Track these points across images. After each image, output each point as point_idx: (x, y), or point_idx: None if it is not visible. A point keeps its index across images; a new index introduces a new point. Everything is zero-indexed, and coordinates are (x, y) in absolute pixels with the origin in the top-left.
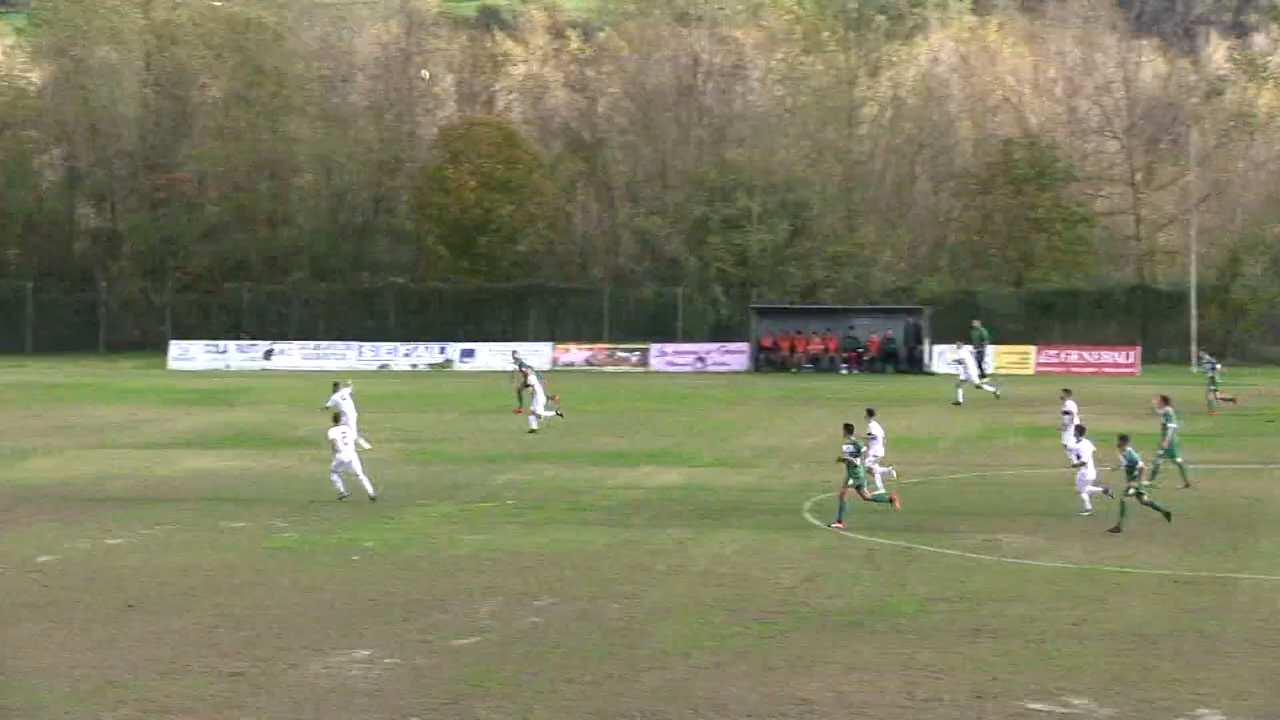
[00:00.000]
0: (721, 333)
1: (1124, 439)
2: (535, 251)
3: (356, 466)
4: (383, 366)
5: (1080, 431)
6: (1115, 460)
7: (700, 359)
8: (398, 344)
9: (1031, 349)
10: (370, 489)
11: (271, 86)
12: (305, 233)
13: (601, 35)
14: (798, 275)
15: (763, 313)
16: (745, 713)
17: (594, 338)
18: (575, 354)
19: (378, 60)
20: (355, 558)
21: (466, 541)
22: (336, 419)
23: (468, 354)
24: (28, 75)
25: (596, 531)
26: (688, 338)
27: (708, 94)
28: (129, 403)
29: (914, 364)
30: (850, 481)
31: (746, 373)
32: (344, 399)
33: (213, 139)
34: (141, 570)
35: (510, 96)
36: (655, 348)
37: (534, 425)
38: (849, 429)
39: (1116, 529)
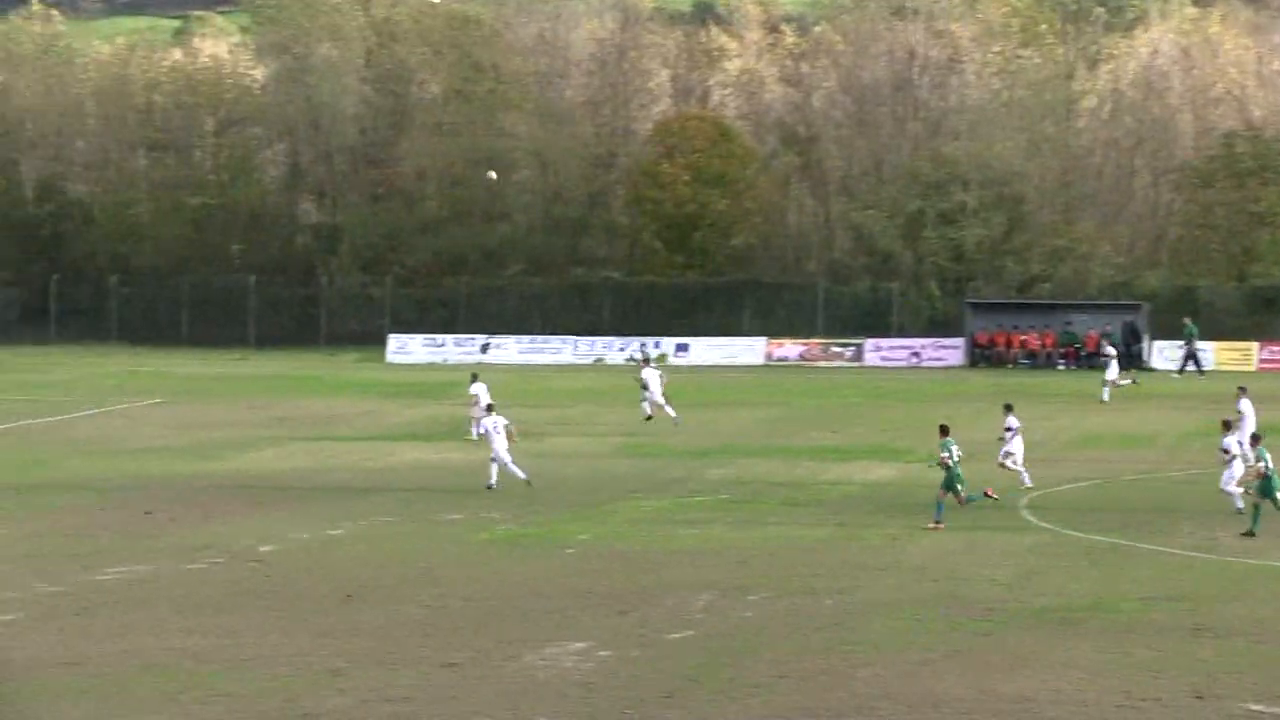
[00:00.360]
0: (936, 328)
1: (1256, 438)
2: (749, 246)
3: (505, 456)
4: (597, 361)
5: (1256, 439)
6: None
7: (915, 354)
8: (612, 338)
9: (1254, 346)
10: (492, 479)
11: (489, 82)
12: (521, 227)
13: (816, 29)
14: (1014, 270)
15: (978, 308)
16: (962, 710)
17: (808, 333)
18: (789, 349)
19: (593, 56)
20: (569, 550)
21: (680, 535)
22: (490, 409)
23: (682, 348)
24: (251, 73)
25: (810, 526)
26: (902, 333)
27: (923, 88)
28: (349, 396)
29: (1133, 361)
30: (948, 483)
31: (961, 368)
32: (482, 391)
33: (431, 135)
34: (360, 561)
35: (725, 91)
36: (870, 343)
37: (650, 415)
38: (944, 430)
39: (1250, 533)
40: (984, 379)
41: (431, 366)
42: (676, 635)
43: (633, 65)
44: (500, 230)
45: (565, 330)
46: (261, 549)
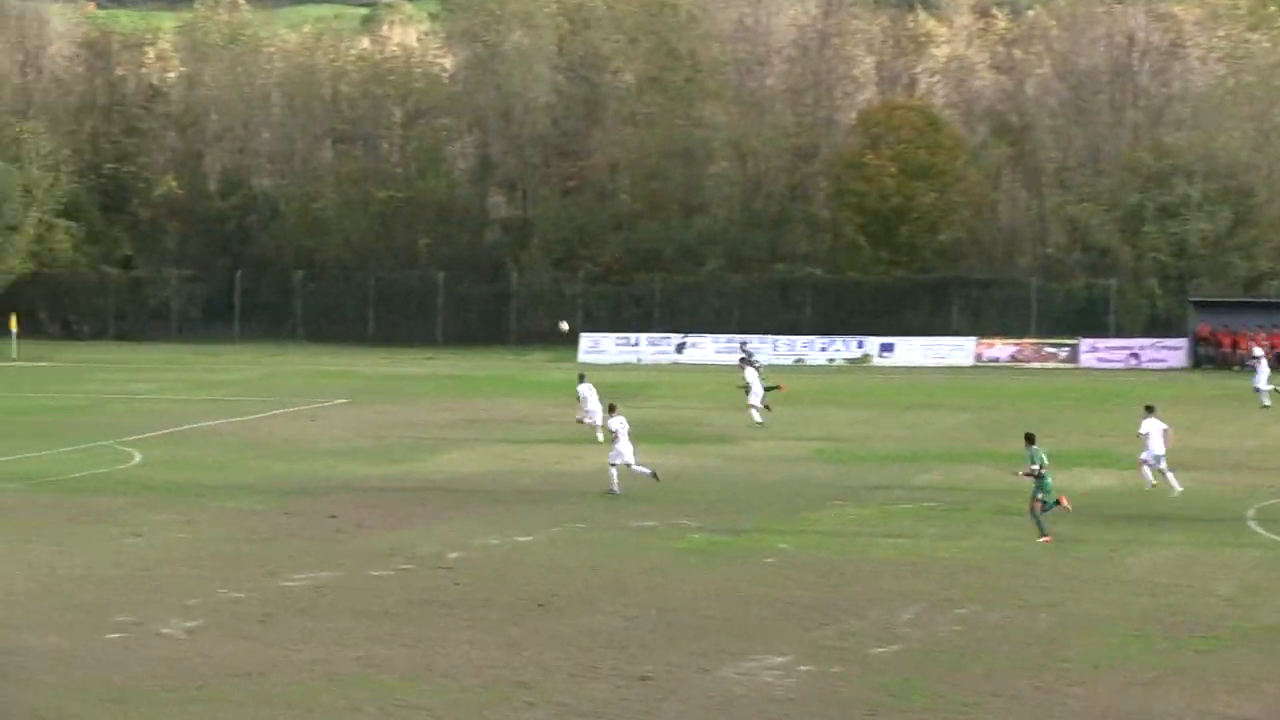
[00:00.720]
0: (1157, 327)
1: None
2: (958, 241)
3: (629, 457)
4: (798, 361)
5: None
6: None
7: (1134, 355)
8: (814, 338)
9: None
10: (614, 486)
11: (685, 70)
12: (719, 222)
13: (1030, 13)
14: (1241, 267)
15: (1202, 306)
16: None
17: (1020, 333)
18: (1000, 349)
19: (795, 42)
20: (769, 560)
21: (885, 544)
22: (612, 409)
23: (887, 348)
24: (441, 61)
25: (1022, 536)
26: (1120, 333)
27: (1143, 74)
28: (540, 396)
29: None
30: (1038, 494)
31: (1184, 370)
32: (589, 391)
33: (625, 125)
34: (550, 568)
35: (932, 79)
36: (1085, 343)
37: (758, 418)
38: (1030, 439)
39: None
40: (1208, 382)
41: (625, 366)
42: (880, 650)
43: (836, 52)
44: (697, 224)
45: (764, 329)
46: (449, 555)
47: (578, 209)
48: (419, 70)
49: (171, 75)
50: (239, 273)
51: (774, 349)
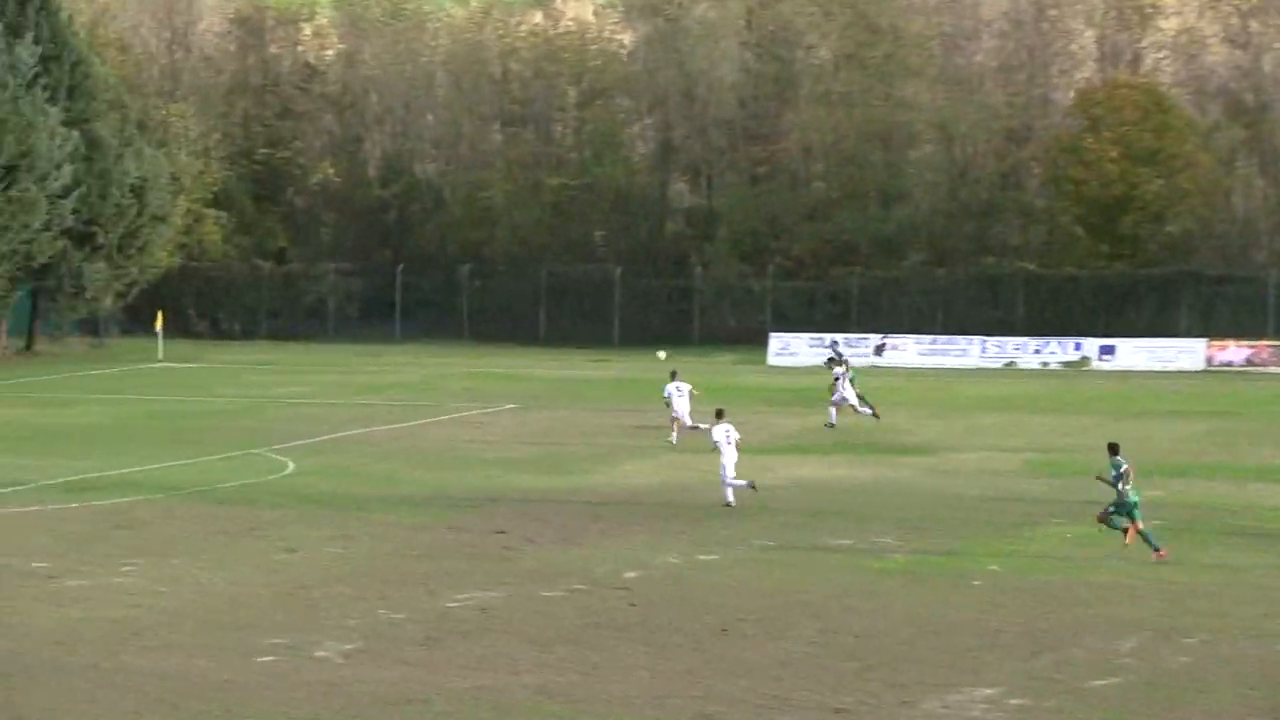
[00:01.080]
0: None
1: None
2: (1187, 233)
3: (730, 469)
4: (1008, 364)
5: None
6: None
7: None
8: (1026, 339)
9: None
10: (730, 497)
11: (886, 46)
12: (922, 211)
13: None
14: None
15: None
16: None
17: (1257, 333)
18: (1234, 352)
19: (1006, 15)
20: (976, 582)
21: (1103, 567)
22: (719, 415)
23: (1107, 350)
24: (619, 37)
25: (1257, 558)
26: None
27: None
28: (726, 402)
29: None
30: (1132, 513)
31: None
32: (678, 390)
33: (819, 106)
34: (736, 590)
35: (1159, 54)
36: None
37: (866, 413)
38: (1113, 449)
39: None
40: None
41: (818, 369)
42: (1100, 682)
43: (1052, 25)
44: (898, 214)
45: (972, 329)
46: (625, 575)
47: (767, 198)
48: (595, 47)
49: (329, 53)
50: (400, 267)
51: (982, 351)
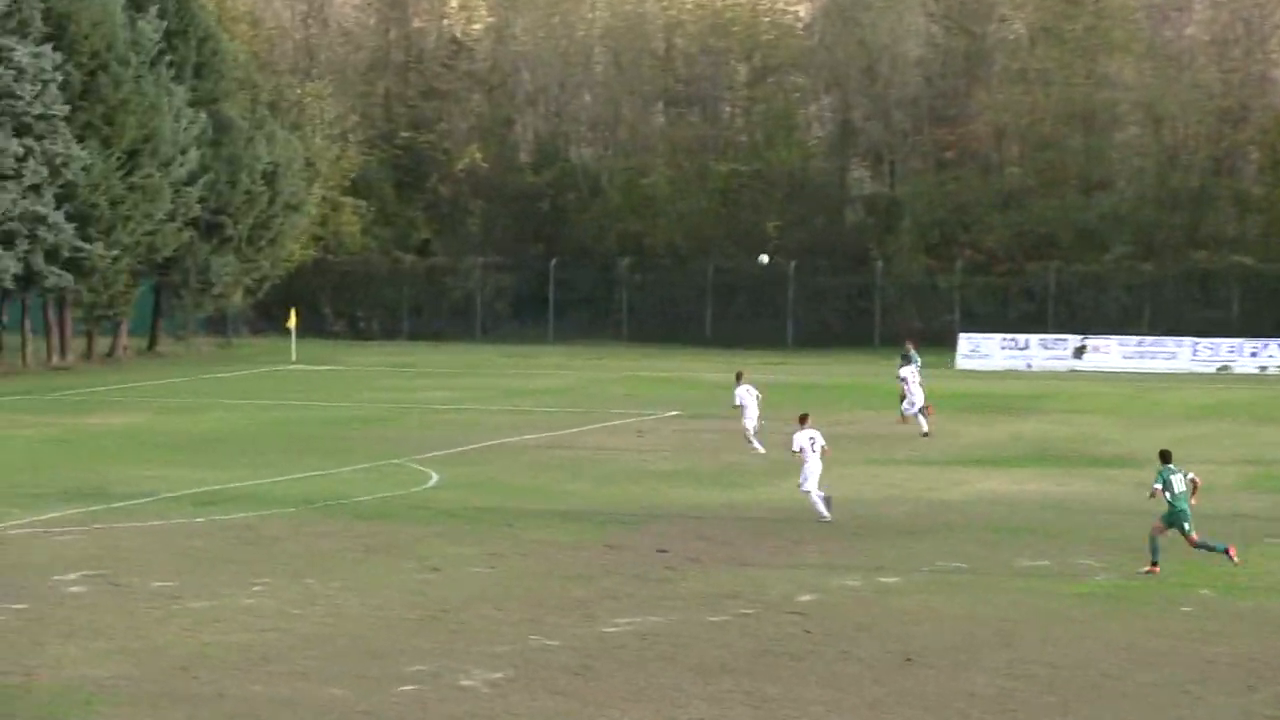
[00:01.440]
0: None
1: None
2: None
3: (812, 481)
4: (1222, 369)
5: None
6: None
7: None
8: (1241, 340)
9: None
10: (824, 510)
11: (1087, 18)
12: (1126, 200)
13: None
14: None
15: None
16: None
17: None
18: None
19: None
20: (1185, 608)
21: None
22: (803, 420)
23: None
24: (794, 9)
25: None
26: None
27: None
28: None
29: None
30: (1171, 521)
31: None
32: (747, 393)
33: (1013, 84)
34: (921, 616)
35: None
36: None
37: (920, 421)
38: (1165, 456)
39: None
40: None
41: (1011, 374)
42: None
43: None
44: (1100, 203)
45: (1182, 330)
46: (800, 599)
47: (956, 185)
48: (767, 20)
49: (477, 27)
50: (553, 261)
51: (1193, 354)
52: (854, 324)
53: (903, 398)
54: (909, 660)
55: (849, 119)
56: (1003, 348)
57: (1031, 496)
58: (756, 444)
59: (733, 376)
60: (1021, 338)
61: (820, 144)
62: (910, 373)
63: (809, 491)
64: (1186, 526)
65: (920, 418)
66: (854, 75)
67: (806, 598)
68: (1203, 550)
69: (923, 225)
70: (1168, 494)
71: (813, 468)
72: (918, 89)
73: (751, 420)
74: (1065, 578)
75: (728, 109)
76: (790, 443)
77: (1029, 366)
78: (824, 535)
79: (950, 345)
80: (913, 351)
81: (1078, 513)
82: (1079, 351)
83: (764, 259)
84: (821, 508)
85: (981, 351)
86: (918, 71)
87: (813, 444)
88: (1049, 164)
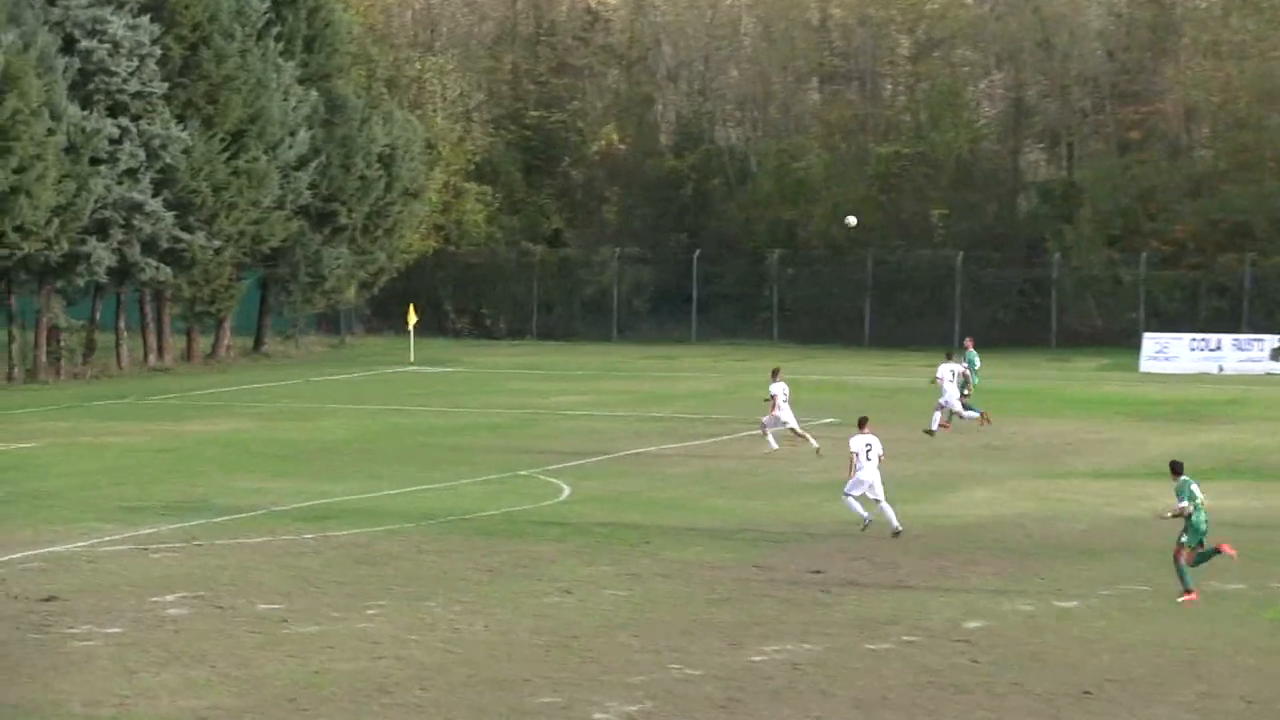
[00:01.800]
0: None
1: None
2: None
3: (877, 489)
4: None
5: None
6: None
7: None
8: None
9: None
10: (894, 520)
11: None
12: None
13: None
14: None
15: None
16: None
17: None
18: None
19: None
20: None
21: None
22: (862, 424)
23: None
24: None
25: None
26: None
27: None
28: (1088, 415)
29: None
30: (1183, 539)
31: None
32: (781, 393)
33: (1205, 59)
34: (1100, 644)
35: None
36: None
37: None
38: (1176, 468)
39: None
40: None
41: (1202, 377)
42: None
43: None
44: None
45: None
46: (966, 625)
47: (1141, 170)
48: None
49: None
50: (697, 253)
51: None
52: (1027, 322)
53: (941, 398)
54: (1087, 693)
55: (1022, 97)
56: (1192, 349)
57: (1225, 513)
58: (770, 439)
59: (901, 377)
60: (1213, 338)
61: (991, 124)
62: (946, 371)
63: (848, 497)
64: (1189, 546)
65: (936, 415)
66: (1028, 49)
67: (974, 624)
68: (1199, 565)
69: (1104, 214)
70: (1194, 508)
71: (866, 475)
72: (1099, 64)
73: (789, 418)
74: (1263, 603)
75: (889, 86)
76: (847, 446)
77: (1221, 369)
78: (994, 555)
79: (1134, 346)
80: (971, 350)
81: (1273, 530)
82: (1277, 353)
83: (851, 220)
84: (894, 518)
85: (1169, 353)
86: (1099, 44)
87: (868, 450)
88: (1244, 146)
